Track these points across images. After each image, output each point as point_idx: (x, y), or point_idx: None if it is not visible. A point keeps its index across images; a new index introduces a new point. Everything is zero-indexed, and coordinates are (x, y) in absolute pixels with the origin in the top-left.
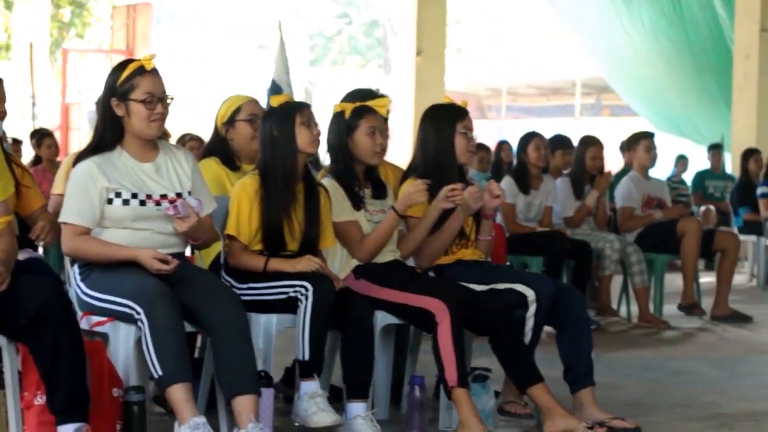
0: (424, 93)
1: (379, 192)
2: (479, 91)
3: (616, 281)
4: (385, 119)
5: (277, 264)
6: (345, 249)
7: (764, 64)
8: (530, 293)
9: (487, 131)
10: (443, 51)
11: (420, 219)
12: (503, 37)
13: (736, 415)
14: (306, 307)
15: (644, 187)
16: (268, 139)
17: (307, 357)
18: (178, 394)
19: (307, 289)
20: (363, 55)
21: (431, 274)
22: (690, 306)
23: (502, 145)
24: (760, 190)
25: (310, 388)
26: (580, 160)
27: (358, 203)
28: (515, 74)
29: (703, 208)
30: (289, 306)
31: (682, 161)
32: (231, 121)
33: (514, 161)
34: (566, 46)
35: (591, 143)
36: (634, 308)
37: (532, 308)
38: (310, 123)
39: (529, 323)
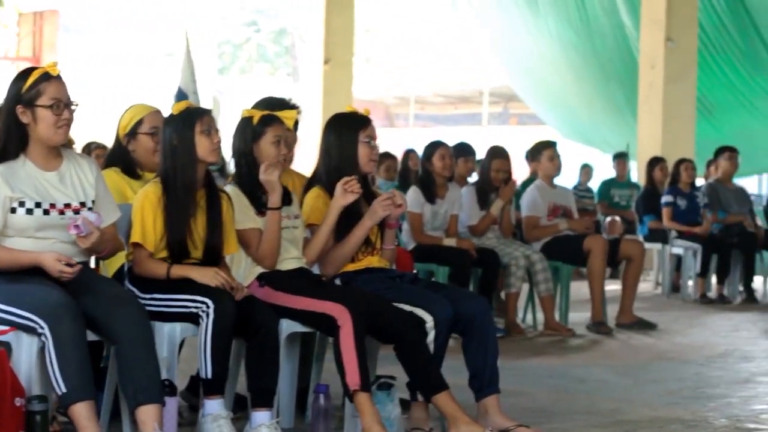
0: (332, 101)
1: (284, 199)
2: (387, 99)
3: (523, 291)
4: (296, 127)
5: (180, 270)
6: (248, 257)
7: (669, 73)
8: (429, 319)
9: (395, 140)
10: (351, 59)
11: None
12: (411, 46)
13: (639, 421)
14: (207, 324)
15: (550, 195)
16: (168, 147)
17: (209, 376)
18: (81, 412)
19: (208, 306)
20: (271, 62)
21: (338, 282)
22: (597, 324)
23: (409, 153)
24: (664, 199)
25: (213, 409)
26: (485, 170)
27: (261, 209)
28: (423, 83)
29: (608, 219)
30: (192, 317)
31: (586, 170)
32: (133, 133)
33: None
34: (474, 55)
35: (497, 155)
36: (540, 316)
37: (431, 335)
38: (211, 131)
39: (430, 347)
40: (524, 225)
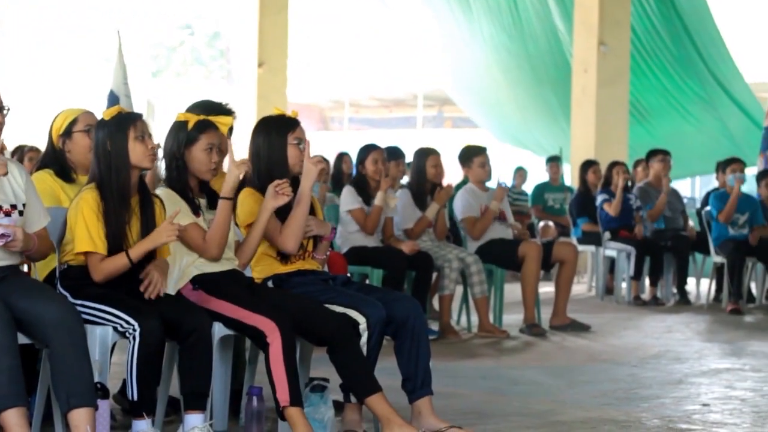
0: (266, 105)
1: (214, 203)
2: (322, 103)
3: (457, 293)
4: (230, 132)
5: (138, 250)
6: (182, 259)
7: (602, 77)
8: (362, 320)
9: (330, 143)
10: (285, 63)
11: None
12: (346, 50)
13: (572, 422)
14: (134, 348)
15: (482, 199)
16: (101, 153)
17: (134, 398)
18: (12, 419)
19: (134, 329)
20: (206, 66)
21: (270, 284)
22: (531, 326)
23: (342, 156)
24: (599, 199)
25: (141, 428)
26: (420, 171)
27: (195, 210)
28: (358, 86)
29: (542, 223)
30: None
31: (520, 173)
32: (68, 133)
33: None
34: (409, 59)
35: (429, 153)
36: (474, 318)
37: (364, 336)
38: (144, 136)
39: (363, 350)
40: (464, 226)
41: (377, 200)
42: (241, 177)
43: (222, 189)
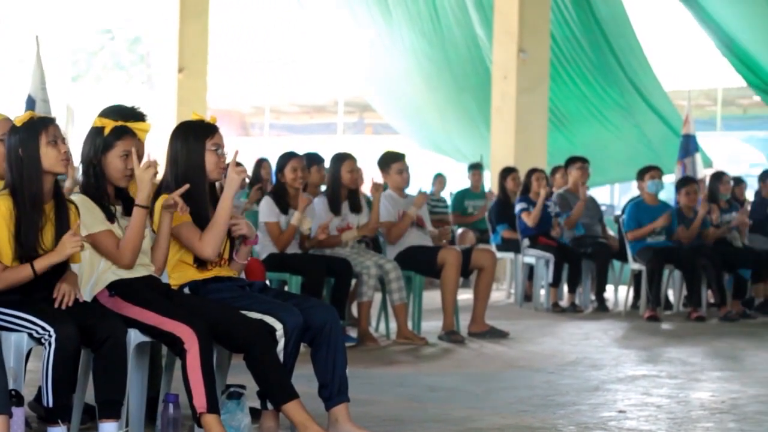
0: (186, 110)
1: (130, 209)
2: (243, 108)
3: (376, 300)
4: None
5: (43, 263)
6: (98, 265)
7: (522, 84)
8: (279, 327)
9: (251, 149)
10: (205, 68)
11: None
12: (267, 56)
13: (489, 429)
14: (49, 354)
15: (400, 205)
16: (13, 159)
17: (50, 405)
18: None
19: (50, 335)
20: (126, 70)
21: (187, 290)
22: (450, 333)
23: (261, 162)
24: (518, 207)
25: None
26: (335, 177)
27: (110, 217)
28: (279, 93)
29: (460, 230)
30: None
31: (439, 179)
32: None
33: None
34: (330, 65)
35: (344, 158)
36: (393, 325)
37: (281, 343)
38: (57, 141)
39: (280, 356)
40: (382, 231)
41: (293, 219)
42: (153, 179)
43: (137, 196)
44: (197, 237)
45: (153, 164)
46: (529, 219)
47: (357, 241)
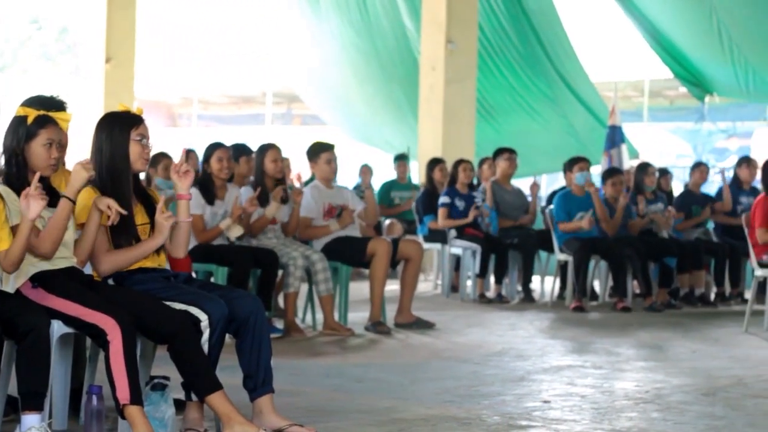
0: (113, 100)
1: (53, 200)
2: (171, 99)
3: (302, 291)
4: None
5: None
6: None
7: (450, 75)
8: (204, 317)
9: (178, 139)
10: (133, 58)
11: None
12: (196, 46)
13: (413, 420)
14: None
15: (326, 196)
16: None
17: None
18: None
19: None
20: (54, 60)
21: (111, 282)
22: (376, 324)
23: (189, 153)
24: (441, 200)
25: None
26: (260, 167)
27: None
28: (207, 83)
29: (387, 221)
30: None
31: (365, 170)
32: None
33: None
34: (258, 56)
35: (269, 148)
36: (320, 316)
37: (205, 334)
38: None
39: (205, 347)
40: (299, 226)
41: (222, 224)
42: (87, 179)
43: (67, 188)
44: (104, 247)
45: (89, 167)
46: (441, 216)
47: (285, 233)
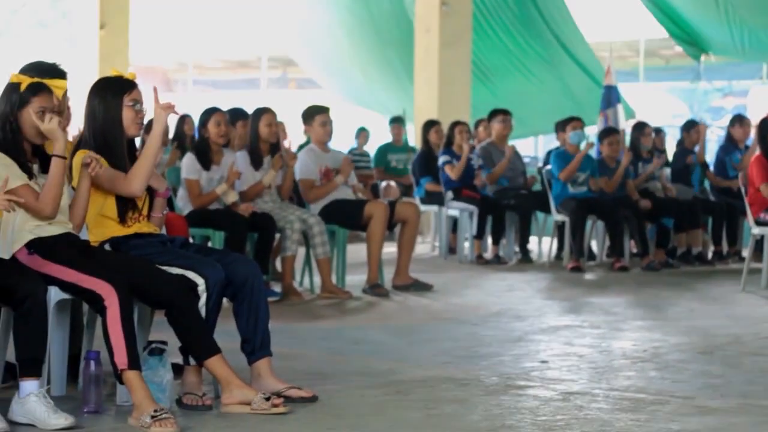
0: (108, 67)
1: (47, 167)
2: (166, 64)
3: (300, 255)
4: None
5: None
6: (17, 222)
7: (445, 37)
8: (200, 282)
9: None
10: (127, 24)
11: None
12: (190, 11)
13: (411, 381)
14: None
15: (322, 159)
16: None
17: None
18: None
19: None
20: (48, 28)
21: (107, 247)
22: (374, 286)
23: (184, 118)
24: (441, 160)
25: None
26: (254, 132)
27: (29, 174)
28: (202, 48)
29: (384, 183)
30: None
31: (363, 133)
32: None
33: (197, 134)
34: (252, 20)
35: (263, 112)
36: (317, 279)
37: (202, 298)
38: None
39: (202, 311)
40: (300, 188)
41: (218, 189)
42: (63, 131)
43: (54, 147)
44: (120, 176)
45: (55, 114)
46: (452, 172)
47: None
